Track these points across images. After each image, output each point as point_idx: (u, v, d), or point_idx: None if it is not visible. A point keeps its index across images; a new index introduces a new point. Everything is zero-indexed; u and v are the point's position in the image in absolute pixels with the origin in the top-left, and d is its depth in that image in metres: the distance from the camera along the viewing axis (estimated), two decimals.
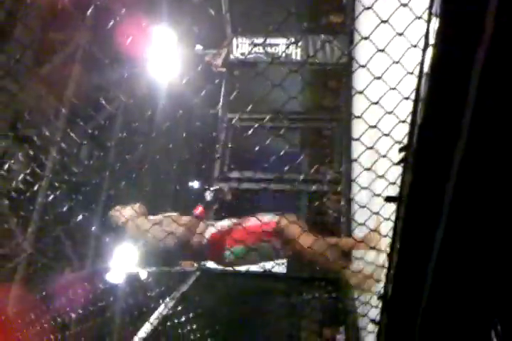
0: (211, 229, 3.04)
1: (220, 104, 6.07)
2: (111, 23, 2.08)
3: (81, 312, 3.74)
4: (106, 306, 3.33)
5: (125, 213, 3.16)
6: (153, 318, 3.48)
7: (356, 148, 4.76)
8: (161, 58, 5.56)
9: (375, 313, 1.43)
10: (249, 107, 2.40)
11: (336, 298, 4.34)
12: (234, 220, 3.06)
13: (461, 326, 1.17)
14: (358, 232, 3.34)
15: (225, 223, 3.06)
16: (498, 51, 0.93)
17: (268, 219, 2.96)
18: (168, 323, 3.21)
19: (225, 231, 2.97)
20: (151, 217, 3.18)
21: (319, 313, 4.54)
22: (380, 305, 1.29)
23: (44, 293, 3.85)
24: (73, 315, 3.77)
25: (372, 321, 1.41)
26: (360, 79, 4.45)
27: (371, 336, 1.54)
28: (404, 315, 1.22)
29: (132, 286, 4.28)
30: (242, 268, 2.37)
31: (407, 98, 1.24)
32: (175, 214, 3.17)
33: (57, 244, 5.20)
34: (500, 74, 0.96)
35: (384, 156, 1.33)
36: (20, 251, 4.53)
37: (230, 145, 5.78)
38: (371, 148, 1.37)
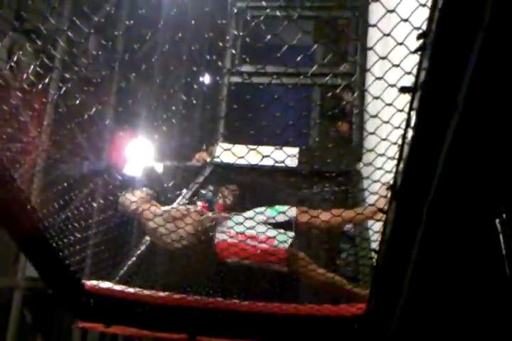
0: (219, 235, 3.02)
1: None
2: None
3: (102, 202, 3.91)
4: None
5: (134, 199, 3.13)
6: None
7: (372, 37, 4.55)
8: None
9: (383, 203, 1.47)
10: None
11: (345, 190, 4.45)
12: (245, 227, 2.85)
13: (468, 214, 1.21)
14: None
15: (236, 232, 2.94)
16: None
17: (278, 247, 2.89)
18: None
19: (233, 244, 2.93)
20: (161, 209, 3.14)
21: (329, 204, 4.69)
22: (389, 195, 1.32)
23: (65, 184, 4.01)
24: (94, 205, 3.95)
25: (380, 210, 1.46)
26: None
27: (378, 224, 1.60)
28: (412, 205, 1.25)
29: (150, 178, 4.43)
30: (255, 162, 2.39)
31: None
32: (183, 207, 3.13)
33: (73, 137, 5.29)
34: None
35: (401, 44, 1.27)
36: (37, 145, 4.63)
37: (240, 34, 5.55)
38: (388, 35, 1.31)
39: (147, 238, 3.56)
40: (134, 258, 3.39)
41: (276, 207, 3.22)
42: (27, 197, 1.63)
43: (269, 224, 2.99)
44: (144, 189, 3.32)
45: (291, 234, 3.01)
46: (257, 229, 2.82)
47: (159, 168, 4.79)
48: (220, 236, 3.04)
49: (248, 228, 2.72)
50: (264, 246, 2.88)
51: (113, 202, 3.26)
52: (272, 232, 2.88)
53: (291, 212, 3.13)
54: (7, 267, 5.85)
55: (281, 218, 3.04)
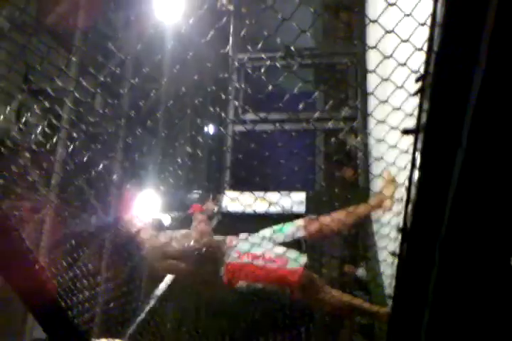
0: (232, 255, 2.86)
1: (230, 43, 5.90)
2: None
3: (110, 257, 3.89)
4: (132, 251, 3.44)
5: (139, 225, 3.05)
6: None
7: (372, 82, 4.64)
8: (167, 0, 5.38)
9: (394, 246, 1.44)
10: (260, 45, 2.32)
11: (355, 233, 4.39)
12: (255, 252, 2.75)
13: (481, 254, 1.18)
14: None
15: (246, 252, 2.79)
16: None
17: (292, 268, 2.71)
18: None
19: (243, 266, 2.79)
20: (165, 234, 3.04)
21: (339, 249, 4.62)
22: (399, 238, 1.30)
23: (73, 242, 3.99)
24: (103, 261, 3.92)
25: (392, 253, 1.43)
26: (373, 7, 4.26)
27: (391, 268, 1.57)
28: (424, 246, 1.23)
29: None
30: (262, 210, 2.38)
31: (423, 24, 1.18)
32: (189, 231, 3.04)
33: (82, 194, 5.32)
34: None
35: (400, 87, 1.29)
36: (47, 203, 4.66)
37: (242, 87, 5.68)
38: (387, 79, 1.33)
39: (156, 293, 3.49)
40: (143, 315, 3.30)
41: (284, 226, 3.05)
42: (35, 257, 1.61)
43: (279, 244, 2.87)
44: (152, 218, 3.27)
45: (304, 258, 2.81)
46: (265, 246, 2.68)
47: (166, 220, 4.77)
48: (227, 258, 2.88)
49: (257, 246, 2.60)
50: (275, 266, 2.71)
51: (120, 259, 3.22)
52: (282, 249, 2.72)
53: (299, 222, 3.00)
54: (14, 328, 5.73)
55: (289, 238, 2.92)
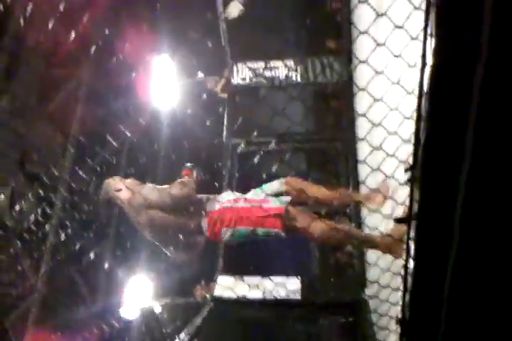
0: (214, 205, 2.83)
1: (224, 132, 6.08)
2: (113, 59, 2.11)
3: None
4: None
5: (119, 189, 3.02)
6: None
7: (363, 170, 4.74)
8: (163, 89, 5.63)
9: (393, 339, 1.39)
10: (254, 134, 2.40)
11: (353, 323, 4.23)
12: (237, 197, 2.80)
13: None
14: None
15: (228, 199, 2.82)
16: (494, 72, 0.93)
17: (275, 206, 2.66)
18: None
19: (224, 210, 2.75)
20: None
21: (337, 339, 4.42)
22: (399, 330, 1.26)
23: (60, 333, 3.82)
24: None
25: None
26: (361, 99, 4.47)
27: None
28: (424, 339, 1.19)
29: (147, 321, 4.22)
30: (257, 297, 2.32)
31: (408, 118, 1.24)
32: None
33: (71, 283, 5.17)
34: (499, 90, 0.96)
35: (390, 177, 1.32)
36: (34, 292, 4.51)
37: (236, 175, 5.77)
38: (377, 169, 1.37)
39: None
40: None
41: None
42: None
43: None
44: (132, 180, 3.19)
45: (287, 198, 2.73)
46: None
47: (157, 308, 4.61)
48: (210, 208, 2.81)
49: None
50: (256, 205, 2.63)
51: None
52: (264, 195, 2.69)
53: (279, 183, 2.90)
54: None
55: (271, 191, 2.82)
